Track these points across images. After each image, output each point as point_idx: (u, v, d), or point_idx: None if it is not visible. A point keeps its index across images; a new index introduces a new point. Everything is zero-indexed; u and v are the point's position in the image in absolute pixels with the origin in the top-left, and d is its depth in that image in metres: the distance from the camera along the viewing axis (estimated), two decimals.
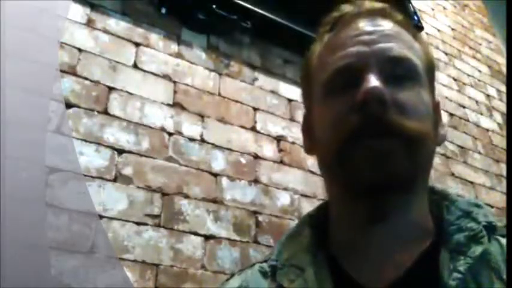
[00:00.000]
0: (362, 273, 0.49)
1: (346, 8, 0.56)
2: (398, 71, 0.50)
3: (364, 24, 0.53)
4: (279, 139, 1.62)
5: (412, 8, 2.24)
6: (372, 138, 0.47)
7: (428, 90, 0.53)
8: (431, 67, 0.56)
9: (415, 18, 2.21)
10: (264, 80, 1.72)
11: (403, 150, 0.47)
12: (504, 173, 2.31)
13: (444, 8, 3.03)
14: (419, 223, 0.52)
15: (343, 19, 0.55)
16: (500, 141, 2.48)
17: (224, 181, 1.41)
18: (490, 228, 0.48)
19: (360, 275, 0.49)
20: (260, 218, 1.41)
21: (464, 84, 2.61)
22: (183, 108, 1.46)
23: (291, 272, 0.52)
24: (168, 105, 1.43)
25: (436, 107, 0.55)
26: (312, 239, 0.55)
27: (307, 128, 0.59)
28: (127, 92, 1.37)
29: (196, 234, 1.27)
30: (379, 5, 0.56)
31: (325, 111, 0.52)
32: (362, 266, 0.50)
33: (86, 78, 1.31)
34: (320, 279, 0.50)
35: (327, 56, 0.54)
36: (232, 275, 0.60)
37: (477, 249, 0.46)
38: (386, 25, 0.53)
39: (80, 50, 1.34)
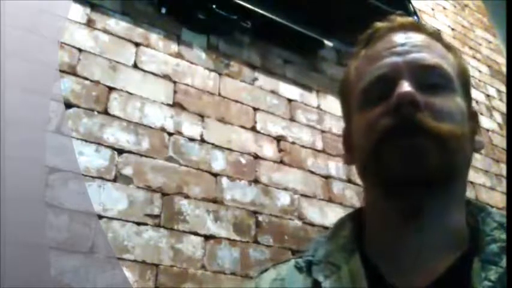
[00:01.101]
0: (396, 275, 0.50)
1: (380, 24, 0.59)
2: (431, 79, 0.52)
3: (397, 37, 0.56)
4: (279, 139, 1.62)
5: (412, 8, 2.24)
6: (404, 137, 0.49)
7: (462, 99, 0.55)
8: (465, 77, 0.58)
9: (415, 18, 2.21)
10: (264, 80, 1.72)
11: (435, 149, 0.49)
12: (504, 173, 2.31)
13: (444, 8, 3.03)
14: (455, 231, 0.53)
15: (377, 34, 0.58)
16: (500, 141, 2.48)
17: (224, 181, 1.41)
18: None
19: (394, 277, 0.50)
20: (260, 218, 1.41)
21: None
22: (183, 108, 1.46)
23: (327, 268, 0.54)
24: (168, 105, 1.43)
25: (473, 115, 0.57)
26: (349, 239, 0.57)
27: (347, 139, 0.61)
28: (127, 92, 1.37)
29: (196, 234, 1.27)
30: (411, 19, 0.59)
31: (363, 117, 0.54)
32: (396, 268, 0.51)
33: (86, 78, 1.31)
34: (355, 277, 0.51)
35: (363, 68, 0.57)
36: (266, 269, 0.62)
37: None
38: (418, 37, 0.56)
39: (80, 50, 1.34)
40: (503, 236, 0.49)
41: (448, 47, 0.58)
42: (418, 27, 0.58)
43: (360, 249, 0.55)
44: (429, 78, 0.52)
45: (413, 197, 0.51)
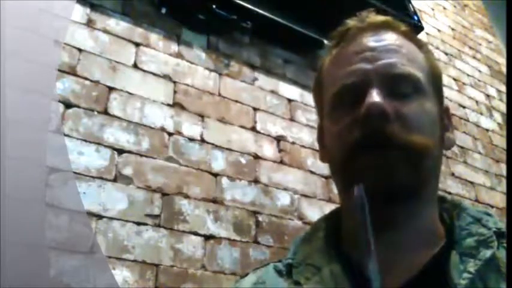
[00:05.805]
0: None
1: (351, 22, 0.57)
2: (401, 87, 0.51)
3: (367, 40, 0.54)
4: (279, 139, 1.62)
5: (412, 8, 2.24)
6: (373, 150, 0.48)
7: (433, 100, 0.54)
8: (436, 75, 0.57)
9: (415, 18, 2.21)
10: (264, 80, 1.72)
11: (404, 162, 0.48)
12: (504, 173, 2.31)
13: (444, 8, 3.03)
14: (430, 229, 0.53)
15: (348, 34, 0.56)
16: (500, 141, 2.48)
17: (224, 181, 1.41)
18: (500, 235, 0.49)
19: None
20: (260, 218, 1.41)
21: (464, 84, 2.61)
22: (183, 108, 1.46)
23: (307, 270, 0.53)
24: (168, 105, 1.43)
25: (445, 112, 0.56)
26: (327, 240, 0.56)
27: (321, 136, 0.61)
28: (127, 92, 1.37)
29: (196, 234, 1.27)
30: (382, 18, 0.57)
31: (332, 124, 0.54)
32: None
33: (86, 78, 1.31)
34: (336, 277, 0.51)
35: (333, 71, 0.56)
36: (246, 274, 0.62)
37: (486, 253, 0.47)
38: (389, 38, 0.55)
39: (80, 50, 1.34)
40: (480, 230, 0.49)
41: (420, 45, 0.57)
42: (389, 26, 0.56)
43: (340, 249, 0.55)
44: (399, 86, 0.51)
45: (383, 210, 0.50)
